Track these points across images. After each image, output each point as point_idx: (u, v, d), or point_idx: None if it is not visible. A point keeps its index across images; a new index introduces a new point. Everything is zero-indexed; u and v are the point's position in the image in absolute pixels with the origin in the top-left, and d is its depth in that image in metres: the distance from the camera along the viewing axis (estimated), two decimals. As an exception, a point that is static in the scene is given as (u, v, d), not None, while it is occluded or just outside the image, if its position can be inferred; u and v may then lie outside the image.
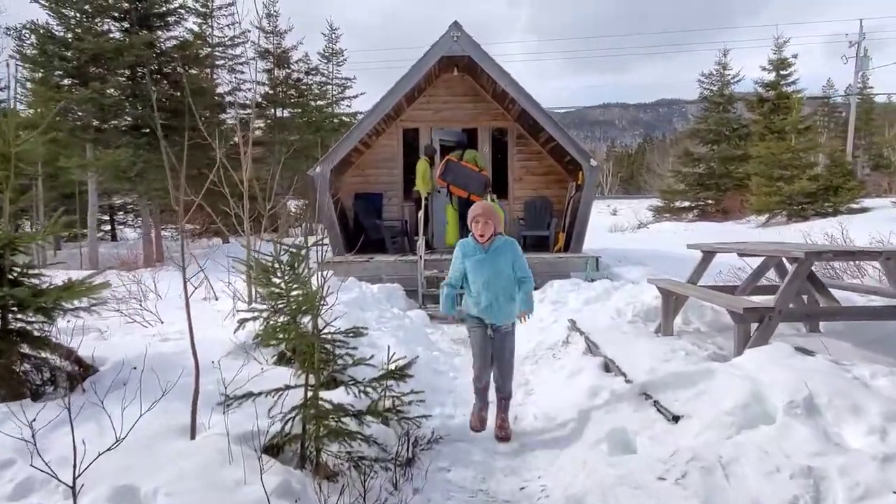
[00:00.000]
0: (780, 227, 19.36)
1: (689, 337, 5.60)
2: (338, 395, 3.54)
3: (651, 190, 42.84)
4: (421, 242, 9.23)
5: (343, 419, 3.32)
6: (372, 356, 3.71)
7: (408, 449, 3.75)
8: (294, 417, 3.23)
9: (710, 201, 25.85)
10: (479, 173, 11.49)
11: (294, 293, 3.51)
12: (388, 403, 3.92)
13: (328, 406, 3.34)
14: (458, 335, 7.90)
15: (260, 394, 3.29)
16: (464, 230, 11.55)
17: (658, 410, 3.69)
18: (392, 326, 6.40)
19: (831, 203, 19.52)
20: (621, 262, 12.06)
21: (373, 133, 11.61)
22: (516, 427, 4.58)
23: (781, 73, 29.52)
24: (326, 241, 10.86)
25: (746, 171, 24.71)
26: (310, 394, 3.32)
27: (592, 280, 9.20)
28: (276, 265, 3.46)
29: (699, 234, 20.02)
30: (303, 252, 3.48)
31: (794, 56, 29.19)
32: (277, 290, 3.52)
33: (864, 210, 19.00)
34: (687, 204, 26.71)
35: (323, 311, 4.01)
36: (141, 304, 6.64)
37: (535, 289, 9.38)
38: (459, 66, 11.52)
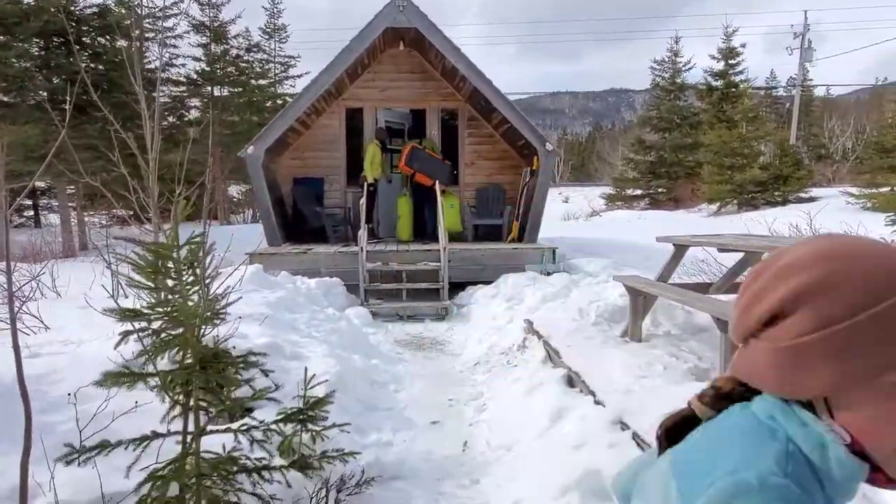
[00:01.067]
0: (731, 216, 19.28)
1: (660, 342, 4.97)
2: (234, 439, 2.71)
3: (602, 178, 42.90)
4: (363, 232, 8.37)
5: (236, 476, 2.49)
6: (276, 388, 2.87)
7: (327, 500, 2.95)
8: (167, 476, 2.39)
9: (661, 190, 25.78)
10: (443, 162, 10.69)
11: (185, 300, 2.65)
12: (305, 438, 3.11)
13: (215, 457, 2.50)
14: (402, 335, 7.12)
15: (118, 444, 2.43)
16: (419, 223, 10.78)
17: (639, 445, 3.00)
18: (325, 331, 5.56)
19: (780, 192, 19.54)
20: (578, 253, 11.49)
21: (312, 112, 10.63)
22: (467, 456, 3.84)
23: (730, 62, 29.68)
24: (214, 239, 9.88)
25: (697, 160, 24.68)
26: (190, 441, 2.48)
27: (549, 273, 8.55)
28: (146, 262, 2.58)
29: (652, 223, 19.79)
30: (183, 248, 2.61)
31: (743, 45, 29.39)
32: (152, 302, 2.65)
33: (812, 199, 19.08)
34: (639, 192, 26.58)
35: (222, 323, 3.16)
36: (22, 305, 5.59)
37: (488, 283, 8.77)
38: (406, 39, 10.63)
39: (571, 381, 4.32)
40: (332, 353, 4.73)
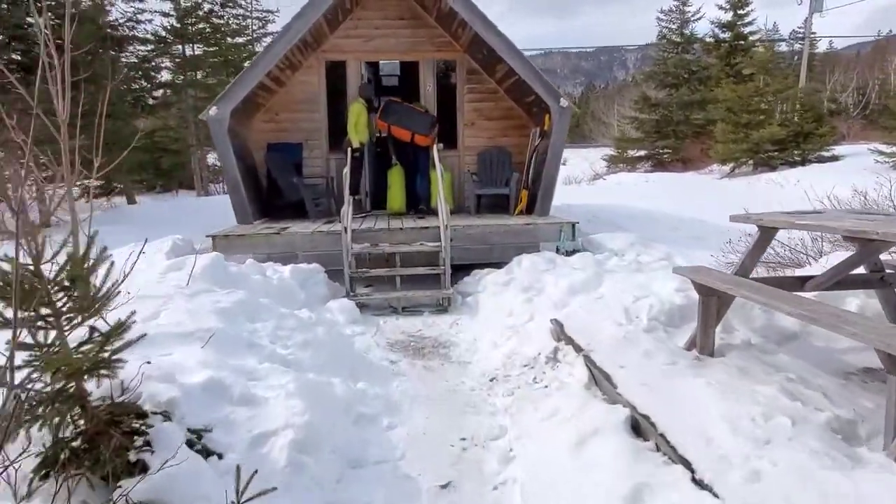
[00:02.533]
0: (747, 178, 17.96)
1: (744, 358, 3.70)
2: None
3: (597, 139, 41.31)
4: (347, 208, 6.99)
5: None
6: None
7: None
8: None
9: (666, 150, 24.34)
10: (425, 113, 9.27)
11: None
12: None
13: None
14: (396, 334, 5.84)
15: None
16: (412, 192, 9.41)
17: None
18: (296, 344, 4.26)
19: (800, 151, 18.19)
20: (594, 224, 10.18)
21: (286, 66, 9.12)
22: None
23: (739, 12, 27.98)
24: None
25: (707, 118, 23.21)
26: None
27: (569, 253, 7.24)
28: None
29: (662, 186, 18.43)
30: None
31: (752, -6, 27.66)
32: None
33: (834, 158, 17.74)
34: (643, 153, 25.12)
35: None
36: None
37: (498, 266, 7.45)
38: (394, -22, 9.08)
39: (637, 426, 3.05)
40: (300, 386, 3.42)
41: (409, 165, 9.36)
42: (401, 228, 7.38)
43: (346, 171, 7.96)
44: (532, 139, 9.58)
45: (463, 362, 5.10)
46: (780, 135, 17.68)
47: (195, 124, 19.01)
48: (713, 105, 21.84)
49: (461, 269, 7.32)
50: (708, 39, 28.75)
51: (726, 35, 28.51)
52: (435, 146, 7.54)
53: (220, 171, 23.53)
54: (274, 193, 9.37)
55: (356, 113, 9.08)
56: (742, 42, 28.54)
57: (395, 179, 9.42)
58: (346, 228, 6.84)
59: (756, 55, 19.79)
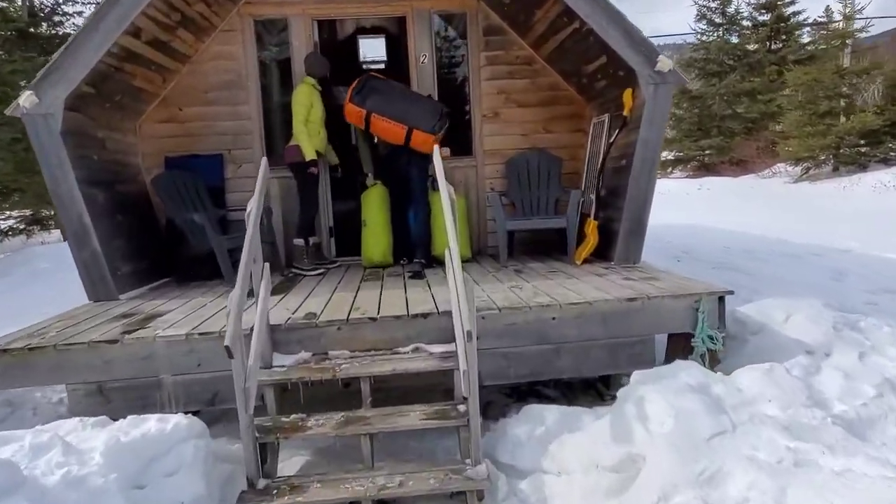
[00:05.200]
0: (833, 181, 14.14)
1: None
2: None
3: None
4: (238, 291, 3.17)
5: None
6: None
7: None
8: None
9: (710, 150, 20.54)
10: (427, 98, 5.63)
11: None
12: None
13: None
14: None
15: None
16: (402, 231, 5.76)
17: None
18: None
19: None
20: (692, 266, 6.43)
21: (183, 24, 5.44)
22: None
23: (780, -9, 24.36)
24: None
25: (761, 110, 19.47)
26: None
27: (716, 351, 3.50)
28: None
29: (722, 195, 14.61)
30: None
31: (796, -32, 24.05)
32: None
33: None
34: (681, 154, 21.35)
35: None
36: None
37: (569, 394, 3.38)
38: None
39: None
40: None
41: (397, 184, 5.65)
42: (372, 318, 3.60)
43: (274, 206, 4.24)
44: (597, 133, 5.85)
45: None
46: (873, 124, 13.89)
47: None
48: (771, 94, 18.10)
49: (496, 401, 3.59)
50: (744, 23, 25.13)
51: (766, 17, 24.89)
52: (437, 154, 3.80)
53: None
54: (177, 241, 5.64)
55: (304, 101, 5.46)
56: (784, 24, 24.93)
57: (375, 208, 5.72)
58: (252, 330, 3.09)
59: (837, 33, 16.03)
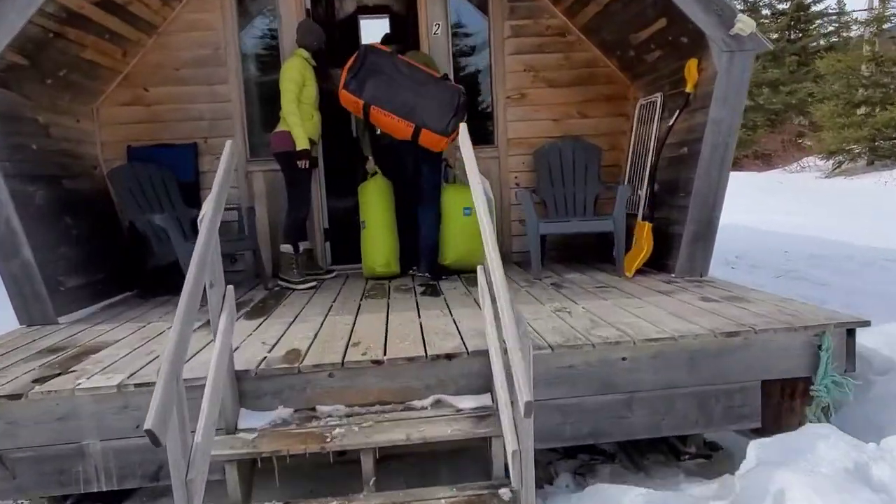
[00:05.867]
0: (872, 175, 13.12)
1: None
2: None
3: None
4: (173, 345, 2.21)
5: None
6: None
7: None
8: None
9: (729, 144, 19.55)
10: (442, 79, 4.62)
11: None
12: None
13: None
14: None
15: None
16: (409, 234, 4.80)
17: None
18: None
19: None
20: (745, 274, 5.45)
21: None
22: None
23: (801, -23, 23.39)
24: None
25: (785, 101, 18.46)
26: None
27: (834, 406, 2.51)
28: None
29: (755, 191, 13.61)
30: None
31: (818, -46, 23.09)
32: None
33: None
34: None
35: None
36: None
37: (642, 473, 2.26)
38: None
39: None
40: None
41: (404, 178, 4.67)
42: (377, 361, 2.61)
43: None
44: (645, 118, 4.87)
45: None
46: (915, 115, 12.88)
47: None
48: (795, 84, 17.08)
49: (537, 457, 2.61)
50: (764, 11, 24.23)
51: (785, 6, 23.94)
52: (465, 137, 2.82)
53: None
54: (141, 248, 4.66)
55: (295, 76, 4.52)
56: (804, 13, 23.97)
57: (376, 205, 4.74)
58: (208, 384, 2.12)
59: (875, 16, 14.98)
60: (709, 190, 4.01)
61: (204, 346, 2.87)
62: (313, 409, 2.58)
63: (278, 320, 3.47)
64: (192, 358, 2.72)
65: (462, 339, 2.83)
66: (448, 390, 2.62)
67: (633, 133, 5.09)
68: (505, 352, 2.34)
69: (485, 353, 2.58)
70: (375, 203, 4.71)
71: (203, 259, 2.19)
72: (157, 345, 3.06)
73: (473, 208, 4.62)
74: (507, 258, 5.31)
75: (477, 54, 5.35)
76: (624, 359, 2.66)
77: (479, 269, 2.59)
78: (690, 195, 4.07)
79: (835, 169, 14.77)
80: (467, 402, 2.57)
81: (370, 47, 4.47)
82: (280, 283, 4.66)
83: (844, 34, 19.82)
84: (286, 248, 4.68)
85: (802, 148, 15.50)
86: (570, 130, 5.25)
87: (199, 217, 2.40)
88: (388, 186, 4.77)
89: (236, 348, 2.89)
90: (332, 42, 5.14)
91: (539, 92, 5.25)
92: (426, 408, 2.58)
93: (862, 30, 14.92)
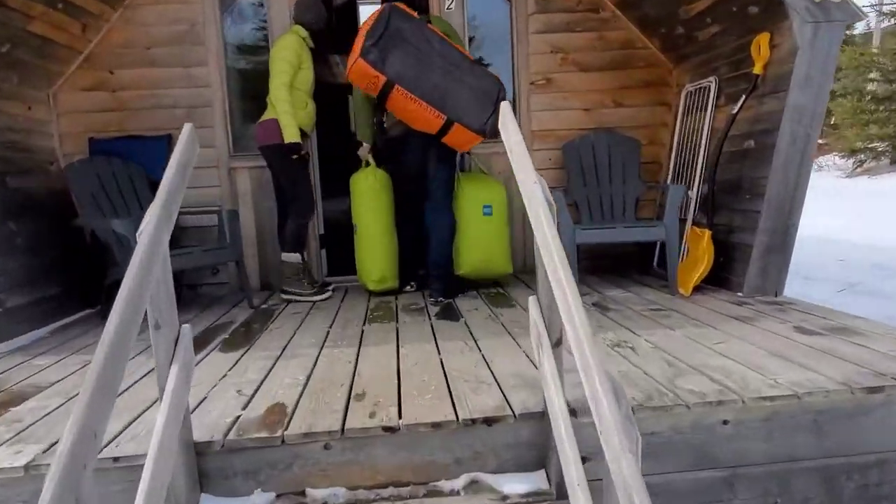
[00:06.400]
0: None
1: None
2: None
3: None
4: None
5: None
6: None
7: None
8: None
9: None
10: (479, 65, 3.91)
11: None
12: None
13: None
14: None
15: None
16: (410, 240, 4.09)
17: None
18: None
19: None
20: (796, 283, 4.77)
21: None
22: None
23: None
24: None
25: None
26: None
27: None
28: None
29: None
30: None
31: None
32: None
33: None
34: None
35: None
36: None
37: None
38: None
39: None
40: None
41: (410, 175, 3.93)
42: (390, 428, 1.91)
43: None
44: (693, 106, 4.17)
45: None
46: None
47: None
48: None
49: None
50: None
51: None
52: (507, 113, 2.15)
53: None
54: (103, 259, 3.94)
55: (290, 56, 3.84)
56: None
57: (369, 207, 3.99)
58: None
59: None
60: (786, 192, 3.32)
61: (151, 405, 2.15)
62: (303, 494, 1.88)
63: (261, 354, 2.76)
64: (134, 422, 2.01)
65: (501, 390, 2.13)
66: (487, 466, 1.92)
67: (678, 124, 4.39)
68: (573, 413, 1.65)
69: (537, 416, 1.88)
70: (369, 202, 3.95)
71: (137, 292, 1.48)
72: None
73: (494, 205, 4.00)
74: (530, 268, 4.61)
75: (496, 33, 4.63)
76: (725, 422, 1.96)
77: (532, 300, 1.89)
78: (759, 198, 3.38)
79: (856, 168, 14.11)
80: (514, 485, 1.87)
81: (395, 7, 3.57)
82: (286, 297, 3.98)
83: (864, 29, 19.11)
84: (290, 256, 3.99)
85: (820, 146, 14.82)
86: (603, 122, 4.54)
87: (139, 231, 1.69)
88: (387, 181, 4.01)
89: (202, 399, 2.19)
90: (327, 29, 4.42)
91: (568, 77, 4.55)
92: (457, 492, 1.88)
93: (888, 21, 14.22)
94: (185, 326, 1.81)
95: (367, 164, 4.04)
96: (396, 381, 2.28)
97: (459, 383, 2.22)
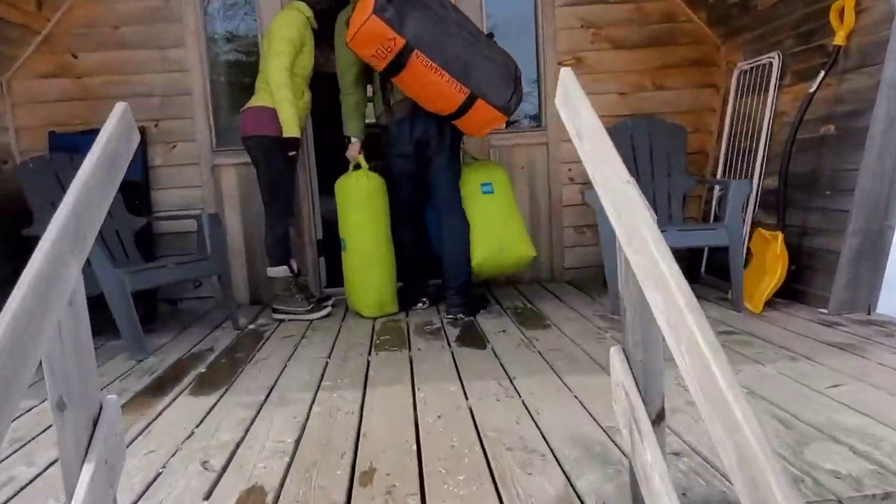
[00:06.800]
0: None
1: None
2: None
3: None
4: None
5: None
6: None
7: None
8: None
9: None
10: (490, 37, 3.31)
11: None
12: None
13: None
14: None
15: None
16: (410, 252, 3.42)
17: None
18: None
19: None
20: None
21: None
22: None
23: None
24: None
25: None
26: None
27: None
28: None
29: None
30: None
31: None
32: None
33: None
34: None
35: None
36: None
37: None
38: None
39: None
40: None
41: (412, 172, 3.32)
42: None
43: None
44: (747, 87, 3.58)
45: None
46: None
47: None
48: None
49: None
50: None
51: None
52: (570, 77, 1.63)
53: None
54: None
55: (292, 35, 3.25)
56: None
57: (359, 220, 3.33)
58: None
59: None
60: (880, 186, 2.73)
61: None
62: None
63: (241, 400, 2.19)
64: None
65: (560, 465, 1.55)
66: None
67: (729, 109, 3.81)
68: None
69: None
70: (361, 212, 3.29)
71: (10, 351, 0.90)
72: (41, 442, 1.78)
73: (495, 183, 3.39)
74: (559, 277, 4.04)
75: (519, 6, 4.03)
76: (885, 518, 1.38)
77: (615, 353, 1.31)
78: (843, 193, 2.80)
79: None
80: None
81: None
82: (277, 316, 3.41)
83: None
84: (277, 271, 3.41)
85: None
86: (641, 107, 3.96)
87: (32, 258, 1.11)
88: (380, 184, 3.34)
89: (155, 476, 1.62)
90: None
91: (601, 56, 3.96)
92: None
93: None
94: (111, 398, 1.24)
95: (358, 166, 3.41)
96: (416, 448, 1.71)
97: (500, 451, 1.65)
